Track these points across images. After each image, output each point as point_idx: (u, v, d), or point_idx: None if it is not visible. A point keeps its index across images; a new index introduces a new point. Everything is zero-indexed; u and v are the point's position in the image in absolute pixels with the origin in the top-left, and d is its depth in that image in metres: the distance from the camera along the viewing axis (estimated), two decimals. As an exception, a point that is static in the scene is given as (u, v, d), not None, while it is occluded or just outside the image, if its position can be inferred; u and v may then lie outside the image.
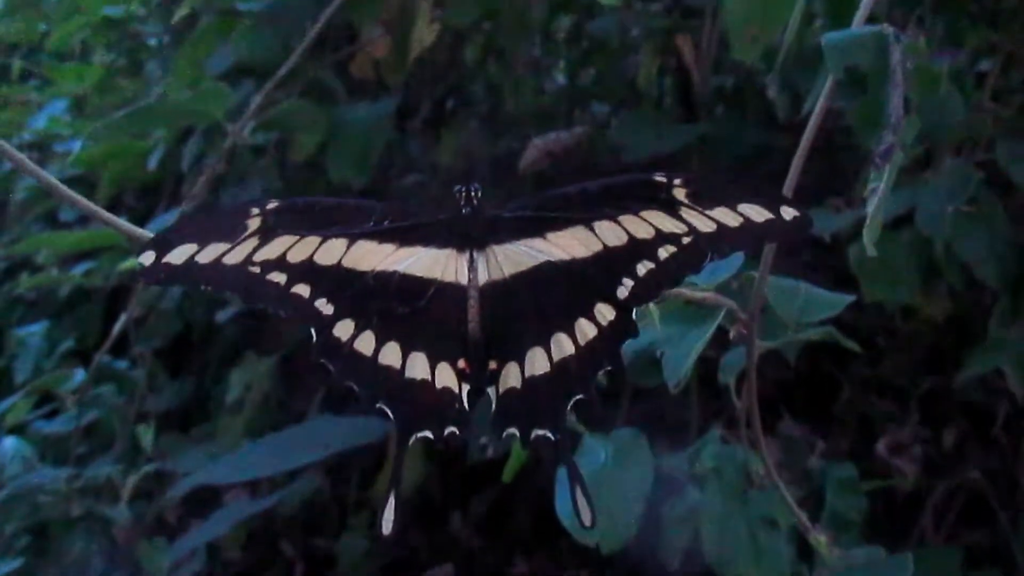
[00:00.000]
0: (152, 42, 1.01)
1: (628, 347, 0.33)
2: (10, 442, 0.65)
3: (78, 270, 0.88)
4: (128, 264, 0.68)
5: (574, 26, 1.05)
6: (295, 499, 0.89)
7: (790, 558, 0.47)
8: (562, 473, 0.41)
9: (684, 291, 0.36)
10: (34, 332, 0.91)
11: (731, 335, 0.38)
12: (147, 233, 0.34)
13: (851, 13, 0.35)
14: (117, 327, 0.71)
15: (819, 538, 0.36)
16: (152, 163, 0.83)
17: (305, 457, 0.71)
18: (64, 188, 0.31)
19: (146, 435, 0.68)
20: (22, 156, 0.30)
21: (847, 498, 0.54)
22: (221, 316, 0.90)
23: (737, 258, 0.38)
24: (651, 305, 0.34)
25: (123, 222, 0.32)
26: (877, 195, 0.32)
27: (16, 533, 0.63)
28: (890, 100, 0.32)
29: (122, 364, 0.88)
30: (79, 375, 0.70)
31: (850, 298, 0.41)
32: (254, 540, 0.99)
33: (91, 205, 0.31)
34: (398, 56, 0.86)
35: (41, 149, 1.18)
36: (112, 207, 0.96)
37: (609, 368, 0.33)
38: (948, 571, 0.66)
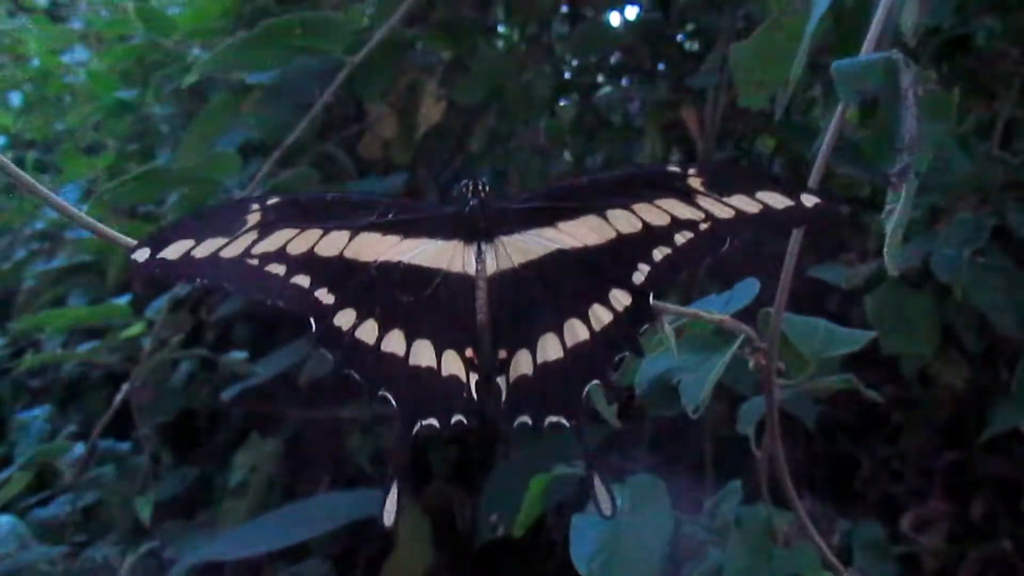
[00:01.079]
0: (164, 128, 1.02)
1: (644, 374, 0.32)
2: (5, 520, 0.62)
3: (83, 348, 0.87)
4: (134, 331, 0.67)
5: (579, 107, 1.07)
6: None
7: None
8: (578, 522, 0.39)
9: (702, 313, 0.35)
10: (36, 416, 0.90)
11: (750, 364, 0.37)
12: (129, 240, 0.34)
13: (858, 44, 0.35)
14: (118, 400, 0.70)
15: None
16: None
17: (309, 531, 0.68)
18: (71, 208, 0.30)
19: (145, 509, 0.66)
20: (24, 174, 0.30)
21: (876, 561, 0.52)
22: (227, 394, 0.89)
23: (752, 287, 0.37)
24: (668, 330, 0.33)
25: (128, 239, 0.32)
26: (895, 215, 0.31)
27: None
28: (903, 122, 0.32)
29: (124, 446, 0.87)
30: (79, 449, 0.69)
31: (871, 334, 0.40)
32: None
33: (97, 224, 0.31)
34: (405, 134, 0.88)
35: (52, 239, 1.19)
36: (120, 293, 0.96)
37: (627, 353, 0.32)
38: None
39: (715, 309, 0.36)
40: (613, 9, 1.00)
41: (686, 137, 0.94)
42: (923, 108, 0.32)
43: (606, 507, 0.31)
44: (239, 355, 0.73)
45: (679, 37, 1.01)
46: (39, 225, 1.18)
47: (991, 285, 0.53)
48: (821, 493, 0.87)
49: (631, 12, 1.00)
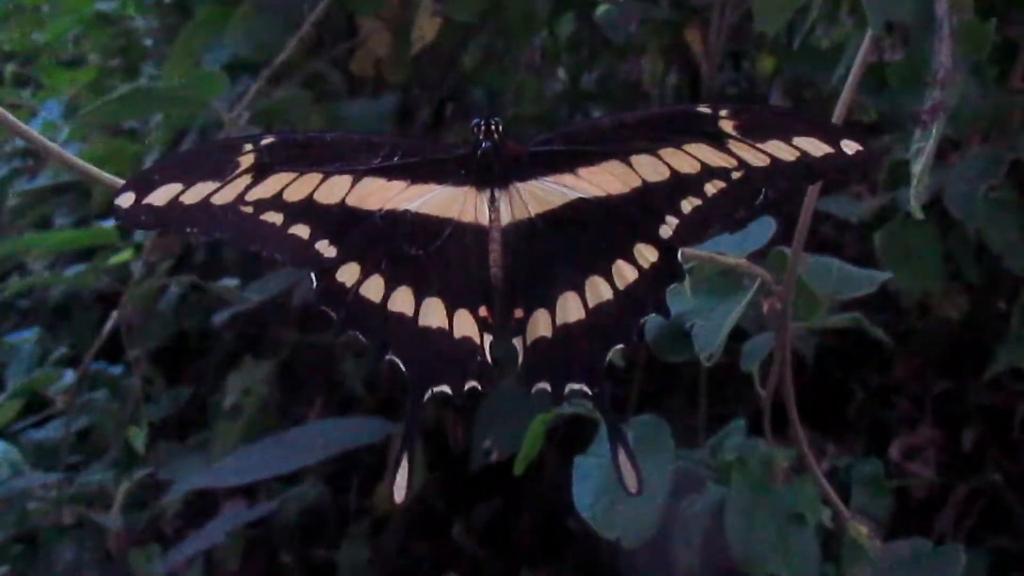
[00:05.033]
0: (147, 43, 0.99)
1: (654, 319, 0.30)
2: (-1, 446, 0.62)
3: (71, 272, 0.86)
4: (122, 257, 0.66)
5: (578, 25, 1.03)
6: (294, 506, 0.86)
7: (817, 556, 0.45)
8: (581, 464, 0.39)
9: (717, 256, 0.33)
10: (25, 338, 0.88)
11: (764, 309, 0.36)
12: (118, 180, 0.32)
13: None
14: (108, 327, 0.68)
15: (859, 528, 0.34)
16: (150, 158, 0.81)
17: (304, 459, 0.68)
18: (56, 147, 0.28)
19: (138, 438, 0.65)
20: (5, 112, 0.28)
21: (874, 495, 0.52)
22: (218, 318, 0.88)
23: (768, 227, 0.36)
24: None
25: (112, 176, 0.30)
26: (924, 155, 0.30)
27: (5, 541, 0.61)
28: (936, 55, 0.30)
29: (116, 369, 0.86)
30: (69, 376, 0.68)
31: (887, 275, 0.39)
32: (252, 550, 0.96)
33: (79, 161, 0.29)
34: (398, 52, 0.84)
35: (35, 156, 1.16)
36: (106, 215, 0.94)
37: (653, 314, 0.30)
38: (974, 574, 0.63)
39: (729, 250, 0.35)
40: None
41: (687, 59, 0.91)
42: (957, 39, 0.30)
43: (632, 485, 0.29)
44: (230, 282, 0.72)
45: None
46: (19, 143, 1.15)
47: (1004, 223, 0.52)
48: (812, 420, 0.88)
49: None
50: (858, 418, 0.93)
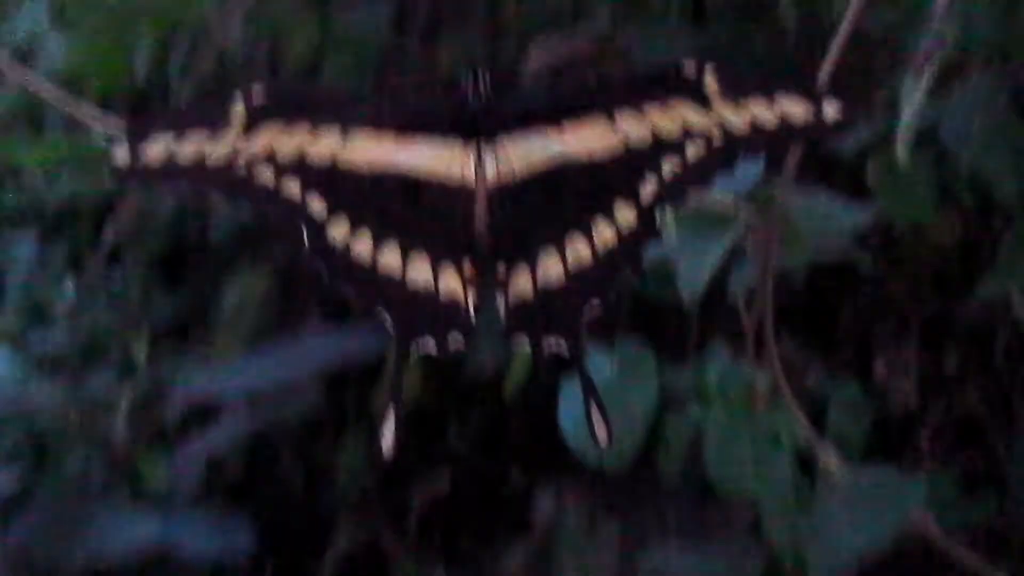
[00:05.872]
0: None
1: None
2: (3, 355, 0.63)
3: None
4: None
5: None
6: (293, 412, 0.88)
7: (792, 477, 0.47)
8: (567, 386, 0.40)
9: (701, 196, 0.34)
10: (23, 244, 0.89)
11: (748, 251, 0.37)
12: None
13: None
14: (107, 237, 0.69)
15: (829, 458, 0.36)
16: (139, 67, 0.79)
17: (302, 370, 0.70)
18: (42, 83, 0.29)
19: (139, 350, 0.67)
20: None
21: (850, 418, 0.54)
22: (215, 230, 0.88)
23: (756, 164, 0.36)
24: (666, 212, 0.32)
25: (107, 117, 0.30)
26: (915, 100, 0.30)
27: (14, 447, 0.63)
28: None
29: (114, 277, 0.87)
30: (70, 288, 0.69)
31: (871, 212, 0.40)
32: (252, 451, 1.00)
33: (71, 104, 0.29)
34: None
35: (25, 56, 1.14)
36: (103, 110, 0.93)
37: (629, 272, 0.31)
38: (944, 493, 0.66)
39: (715, 188, 0.35)
40: None
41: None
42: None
43: (602, 438, 0.30)
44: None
45: None
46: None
47: (998, 154, 0.52)
48: (801, 336, 0.89)
49: None
50: (846, 336, 0.95)
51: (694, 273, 0.33)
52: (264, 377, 0.69)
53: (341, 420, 1.00)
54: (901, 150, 0.30)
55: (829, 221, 0.38)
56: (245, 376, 0.69)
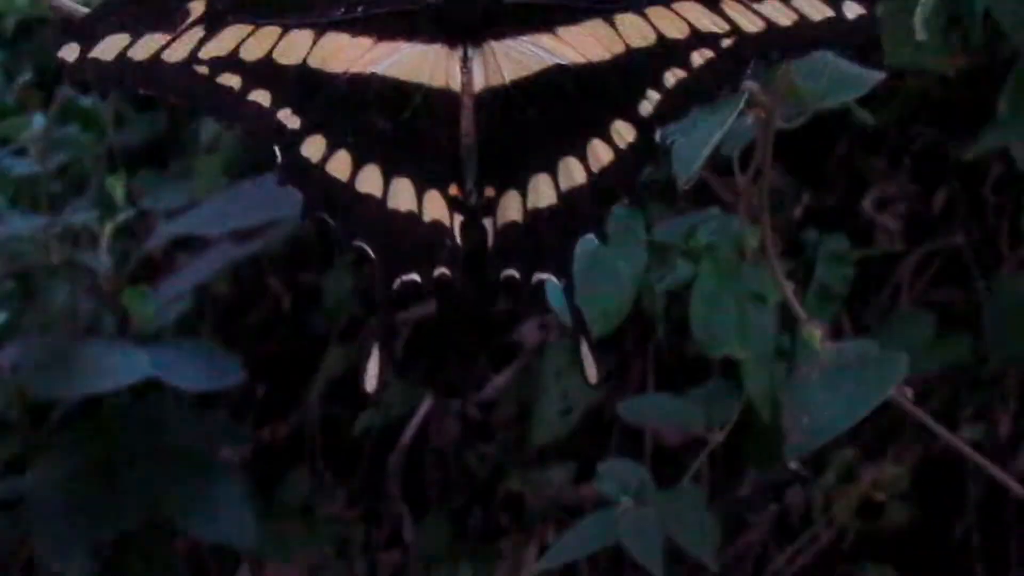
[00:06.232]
0: None
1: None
2: (-24, 189, 0.62)
3: None
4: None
5: None
6: (280, 238, 0.88)
7: (774, 330, 0.48)
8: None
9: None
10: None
11: (749, 120, 0.35)
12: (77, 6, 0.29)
13: None
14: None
15: (813, 332, 0.36)
16: None
17: (287, 206, 0.68)
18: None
19: (117, 186, 0.65)
20: None
21: (835, 269, 0.54)
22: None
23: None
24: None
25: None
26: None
27: None
28: None
29: (86, 100, 0.83)
30: (39, 121, 0.66)
31: (881, 75, 0.37)
32: (241, 275, 1.00)
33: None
34: None
35: None
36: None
37: (624, 202, 0.29)
38: (921, 334, 0.67)
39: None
40: None
41: None
42: None
43: (592, 375, 0.29)
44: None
45: None
46: None
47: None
48: (793, 168, 0.88)
49: None
50: (837, 169, 0.94)
51: (691, 153, 0.31)
52: (247, 214, 0.68)
53: (328, 245, 1.00)
54: (919, 24, 0.27)
55: (837, 84, 0.36)
56: (227, 213, 0.68)
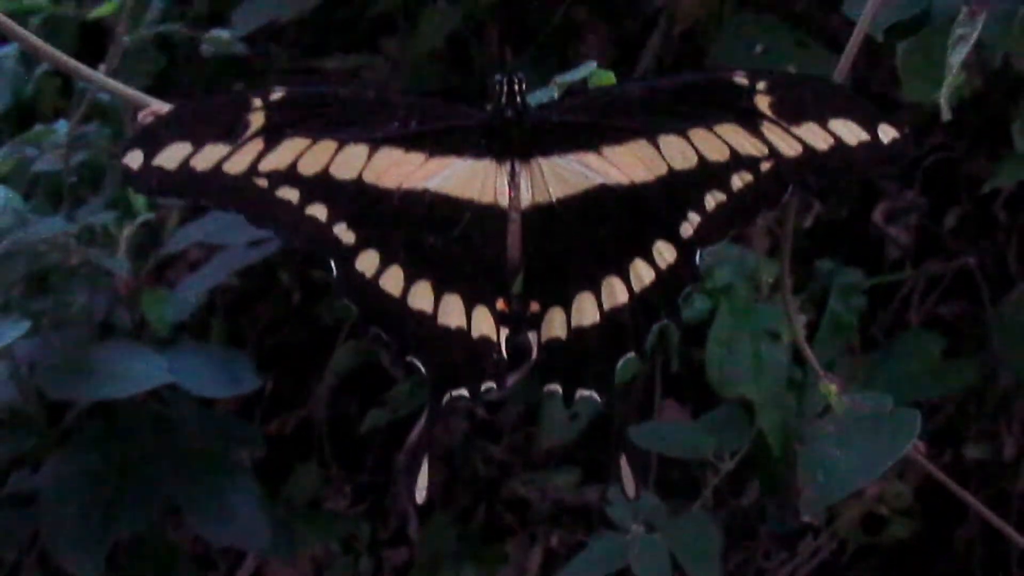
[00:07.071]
0: None
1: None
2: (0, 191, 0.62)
3: None
4: (104, 11, 0.62)
5: None
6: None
7: (787, 366, 0.49)
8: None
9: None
10: (7, 54, 0.85)
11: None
12: (147, 99, 0.30)
13: None
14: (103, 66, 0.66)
15: (829, 387, 0.36)
16: None
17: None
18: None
19: (139, 198, 0.66)
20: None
21: (849, 300, 0.55)
22: (206, 49, 0.84)
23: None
24: None
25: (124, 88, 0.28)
26: (965, 45, 0.28)
27: (17, 282, 0.63)
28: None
29: (105, 97, 0.83)
30: (63, 128, 0.66)
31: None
32: (251, 269, 1.01)
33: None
34: None
35: None
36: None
37: (666, 321, 0.29)
38: (929, 355, 0.68)
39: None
40: None
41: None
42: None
43: (631, 491, 0.30)
44: (220, 33, 0.68)
45: None
46: None
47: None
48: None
49: None
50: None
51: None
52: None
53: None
54: (945, 101, 0.28)
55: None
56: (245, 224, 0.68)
